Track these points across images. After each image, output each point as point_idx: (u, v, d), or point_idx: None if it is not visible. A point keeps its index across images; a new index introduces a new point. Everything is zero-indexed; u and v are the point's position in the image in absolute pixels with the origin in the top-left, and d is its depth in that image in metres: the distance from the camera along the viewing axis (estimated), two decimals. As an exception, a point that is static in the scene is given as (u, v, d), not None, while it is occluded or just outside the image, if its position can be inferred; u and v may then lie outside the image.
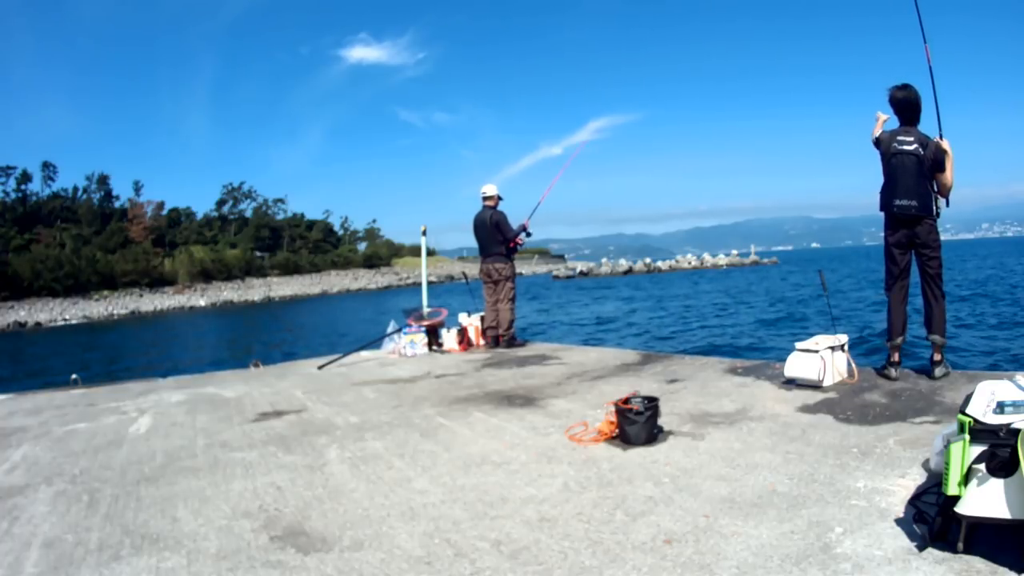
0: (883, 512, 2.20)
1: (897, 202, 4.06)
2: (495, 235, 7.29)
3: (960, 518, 1.86)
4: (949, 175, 4.07)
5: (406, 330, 7.29)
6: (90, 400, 5.53)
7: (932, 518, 1.97)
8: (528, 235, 7.48)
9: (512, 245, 7.36)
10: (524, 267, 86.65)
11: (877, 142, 4.18)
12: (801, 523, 2.18)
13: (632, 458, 3.01)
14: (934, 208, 4.06)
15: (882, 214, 4.22)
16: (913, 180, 4.03)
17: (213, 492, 2.90)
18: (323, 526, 2.45)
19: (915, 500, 2.17)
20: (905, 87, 4.08)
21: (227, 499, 2.79)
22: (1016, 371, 2.92)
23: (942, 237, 4.16)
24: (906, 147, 4.05)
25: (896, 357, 4.16)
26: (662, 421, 3.38)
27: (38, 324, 54.34)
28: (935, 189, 4.08)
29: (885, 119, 4.21)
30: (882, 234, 4.26)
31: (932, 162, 4.02)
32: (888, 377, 4.11)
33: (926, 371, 4.14)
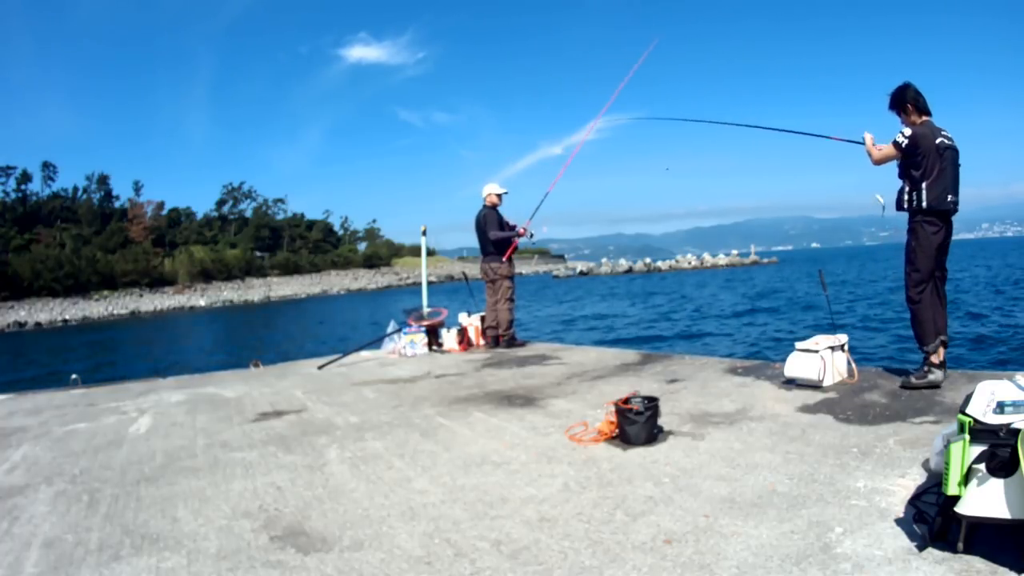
0: (883, 512, 2.20)
1: (951, 198, 3.89)
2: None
3: (960, 518, 1.86)
4: None
5: (406, 330, 7.29)
6: (90, 400, 5.53)
7: (932, 518, 1.96)
8: (531, 237, 7.45)
9: (506, 246, 7.30)
10: (524, 267, 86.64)
11: (914, 140, 3.89)
12: (801, 523, 2.18)
13: (632, 458, 3.01)
14: None
15: (899, 213, 4.01)
16: (958, 175, 3.92)
17: (213, 492, 2.90)
18: (323, 526, 2.45)
19: (915, 500, 2.16)
20: (906, 86, 4.04)
21: (227, 499, 2.79)
22: (1016, 371, 2.92)
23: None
24: (950, 141, 3.90)
25: (942, 355, 3.97)
26: (662, 421, 3.38)
27: (38, 324, 54.35)
28: None
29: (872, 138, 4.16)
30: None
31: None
32: (936, 385, 3.84)
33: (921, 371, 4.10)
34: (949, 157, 3.88)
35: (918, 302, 4.01)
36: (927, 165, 3.88)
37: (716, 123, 5.83)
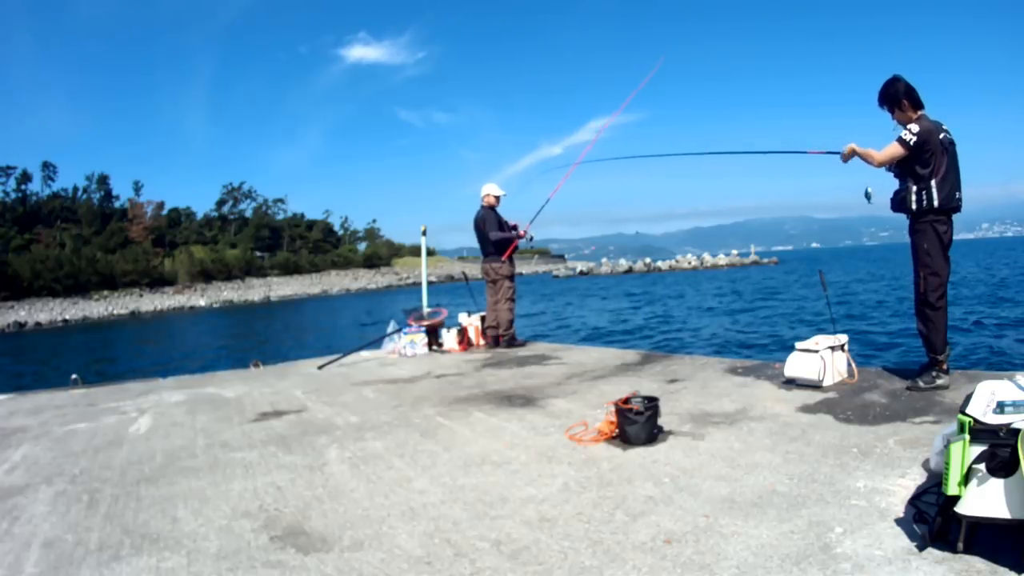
0: (883, 512, 2.20)
1: (959, 195, 3.80)
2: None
3: (960, 518, 1.86)
4: None
5: (406, 330, 7.29)
6: (90, 400, 5.53)
7: (932, 518, 1.96)
8: (530, 240, 7.47)
9: (506, 246, 7.29)
10: (524, 267, 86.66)
11: (923, 137, 3.71)
12: (801, 523, 2.18)
13: (632, 458, 3.01)
14: None
15: (910, 212, 3.87)
16: (959, 171, 3.82)
17: (213, 492, 2.90)
18: (323, 526, 2.45)
19: (915, 500, 2.16)
20: (896, 79, 3.90)
21: (227, 499, 2.79)
22: (1016, 371, 2.92)
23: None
24: (950, 135, 3.80)
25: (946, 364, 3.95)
26: (662, 421, 3.38)
27: (38, 324, 54.36)
28: None
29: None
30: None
31: None
32: (946, 387, 3.79)
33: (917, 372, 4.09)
34: (954, 152, 3.80)
35: (939, 308, 3.85)
36: (935, 162, 3.74)
37: (690, 154, 5.76)
